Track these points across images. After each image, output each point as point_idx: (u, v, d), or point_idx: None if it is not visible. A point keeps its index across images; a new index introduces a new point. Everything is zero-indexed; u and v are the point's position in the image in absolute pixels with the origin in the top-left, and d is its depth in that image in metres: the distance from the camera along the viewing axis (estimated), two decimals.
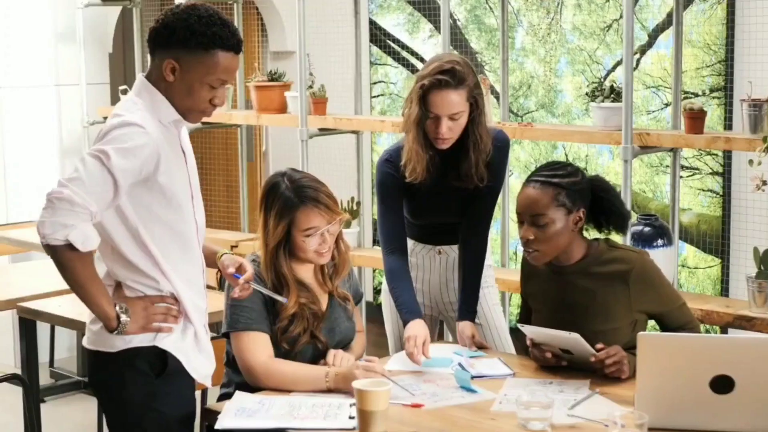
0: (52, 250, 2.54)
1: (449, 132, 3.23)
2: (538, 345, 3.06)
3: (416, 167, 3.28)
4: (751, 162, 3.61)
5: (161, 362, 2.72)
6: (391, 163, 3.37)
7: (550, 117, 5.45)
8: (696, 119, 3.94)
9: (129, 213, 2.63)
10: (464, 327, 3.35)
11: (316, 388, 2.92)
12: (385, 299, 3.62)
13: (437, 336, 3.75)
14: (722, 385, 2.54)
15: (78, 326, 4.03)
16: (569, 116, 5.40)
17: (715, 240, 4.85)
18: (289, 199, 3.02)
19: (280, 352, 3.03)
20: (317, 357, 3.08)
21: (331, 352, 3.06)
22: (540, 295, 3.16)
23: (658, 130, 4.41)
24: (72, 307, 3.99)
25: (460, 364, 3.10)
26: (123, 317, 2.64)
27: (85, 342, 2.79)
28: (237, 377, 3.06)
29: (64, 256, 2.54)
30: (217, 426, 2.68)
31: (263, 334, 3.02)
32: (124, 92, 6.07)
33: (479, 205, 3.41)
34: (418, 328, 3.21)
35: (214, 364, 2.87)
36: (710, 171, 4.88)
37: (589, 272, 3.03)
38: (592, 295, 3.02)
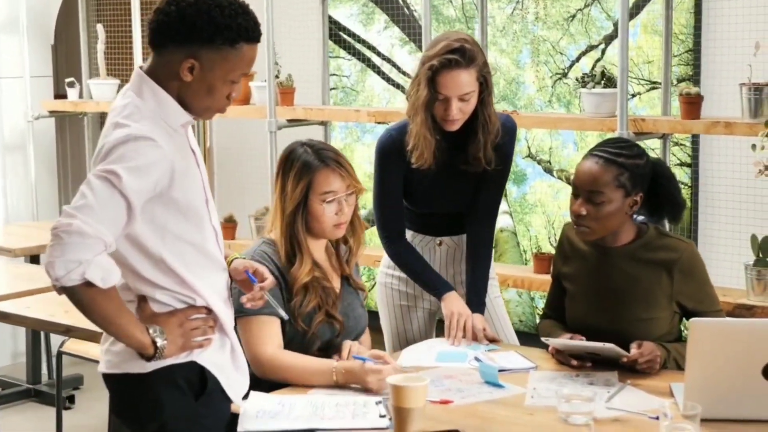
0: (68, 292, 2.22)
1: (459, 113, 3.10)
2: (562, 351, 2.94)
3: (424, 152, 3.14)
4: (754, 147, 3.53)
5: (200, 380, 2.45)
6: (393, 141, 3.22)
7: (511, 109, 5.33)
8: (693, 104, 3.86)
9: (147, 239, 2.33)
10: (475, 320, 3.21)
11: (323, 383, 2.80)
12: (381, 292, 3.46)
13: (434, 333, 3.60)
14: None
15: (49, 327, 3.80)
16: (532, 108, 5.30)
17: (683, 231, 4.79)
18: (309, 161, 2.93)
19: (298, 333, 2.90)
20: (334, 339, 2.95)
21: (347, 344, 2.92)
22: (579, 277, 3.03)
23: (654, 116, 4.33)
24: (43, 307, 3.73)
25: (477, 359, 2.97)
26: (159, 341, 2.35)
27: (104, 368, 2.47)
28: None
29: (84, 295, 2.22)
30: (239, 429, 2.49)
31: (274, 318, 2.86)
32: (71, 85, 5.80)
33: (487, 192, 3.28)
34: (459, 305, 3.20)
35: (248, 381, 2.61)
36: (678, 162, 4.82)
37: (635, 257, 2.93)
38: (635, 281, 2.91)
